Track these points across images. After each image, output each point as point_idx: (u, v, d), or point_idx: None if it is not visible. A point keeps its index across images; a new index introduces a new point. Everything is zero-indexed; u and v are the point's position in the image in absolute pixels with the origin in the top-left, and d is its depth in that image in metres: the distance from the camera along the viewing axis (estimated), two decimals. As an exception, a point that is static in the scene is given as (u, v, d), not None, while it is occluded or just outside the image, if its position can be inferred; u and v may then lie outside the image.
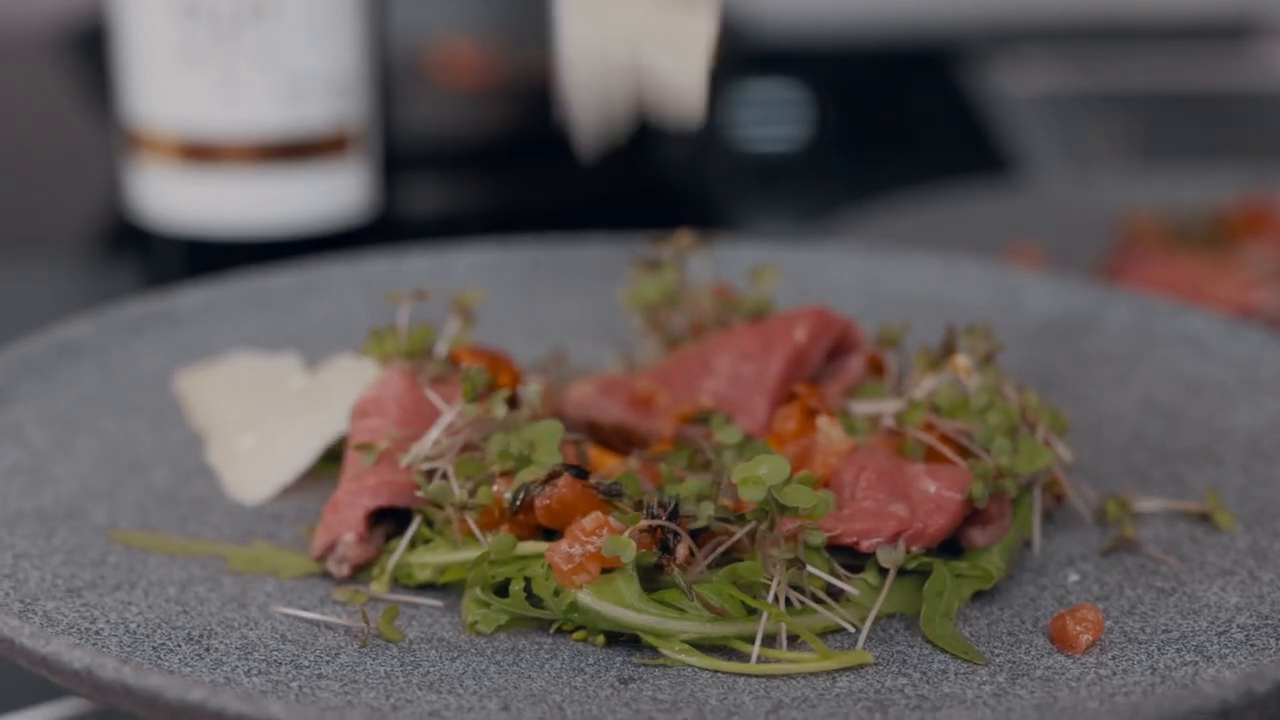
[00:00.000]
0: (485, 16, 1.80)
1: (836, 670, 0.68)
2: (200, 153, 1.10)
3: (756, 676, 0.68)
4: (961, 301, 1.01)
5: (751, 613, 0.70)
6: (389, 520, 0.75)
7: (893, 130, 1.93)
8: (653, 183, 1.64)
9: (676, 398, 0.82)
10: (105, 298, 1.19)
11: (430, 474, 0.75)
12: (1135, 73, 1.95)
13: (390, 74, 1.32)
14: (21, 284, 1.39)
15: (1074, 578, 0.76)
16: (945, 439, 0.77)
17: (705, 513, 0.70)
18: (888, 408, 0.79)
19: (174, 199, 1.11)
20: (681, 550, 0.69)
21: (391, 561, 0.73)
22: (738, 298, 0.88)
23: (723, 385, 0.82)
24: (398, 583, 0.73)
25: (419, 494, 0.74)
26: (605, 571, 0.69)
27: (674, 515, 0.69)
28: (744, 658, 0.69)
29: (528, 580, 0.70)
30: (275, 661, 0.67)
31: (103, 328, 0.91)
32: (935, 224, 1.31)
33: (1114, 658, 0.70)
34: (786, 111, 1.93)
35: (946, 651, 0.70)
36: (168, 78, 1.09)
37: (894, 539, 0.71)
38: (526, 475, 0.72)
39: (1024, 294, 1.01)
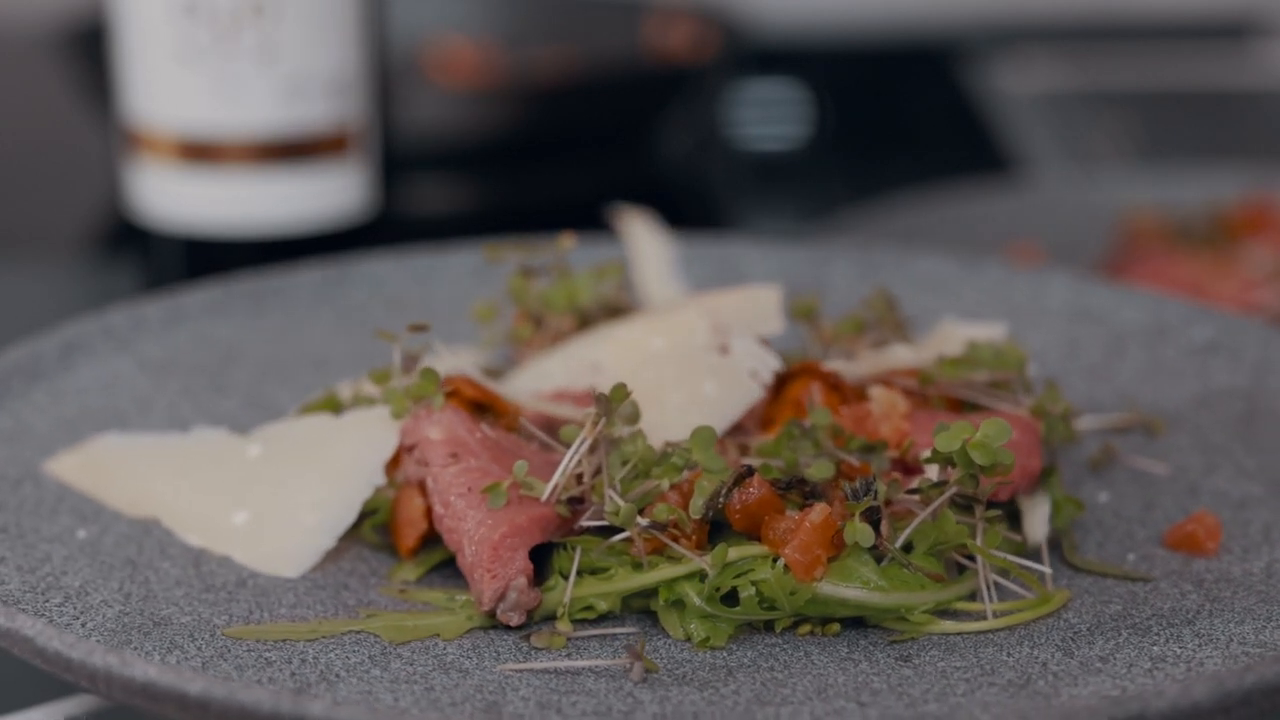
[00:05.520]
0: (485, 16, 1.80)
1: (1058, 610, 0.72)
2: (200, 152, 1.10)
3: (1003, 630, 0.71)
4: (695, 277, 1.02)
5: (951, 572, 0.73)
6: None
7: (893, 130, 1.93)
8: (653, 183, 1.64)
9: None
10: (105, 297, 1.19)
11: (572, 502, 0.74)
12: (1135, 72, 1.95)
13: (390, 74, 1.32)
14: (21, 284, 1.39)
15: (1104, 497, 0.81)
16: (986, 391, 0.81)
17: (880, 489, 0.72)
18: (885, 370, 0.82)
19: (174, 198, 1.11)
20: (885, 527, 0.71)
21: (567, 596, 0.72)
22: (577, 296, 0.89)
23: None
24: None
25: (585, 523, 0.73)
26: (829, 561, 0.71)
27: (874, 496, 0.71)
28: (955, 616, 0.72)
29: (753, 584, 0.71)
30: (599, 713, 0.65)
31: None
32: (935, 224, 1.31)
33: (1247, 552, 0.75)
34: (786, 111, 1.93)
35: (1106, 576, 0.75)
36: (167, 77, 1.09)
37: (1024, 486, 0.76)
38: (709, 483, 0.72)
39: (743, 264, 1.04)
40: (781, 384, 0.81)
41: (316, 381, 0.93)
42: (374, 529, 0.79)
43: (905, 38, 2.05)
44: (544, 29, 1.78)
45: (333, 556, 0.77)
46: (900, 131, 1.93)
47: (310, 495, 0.78)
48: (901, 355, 0.84)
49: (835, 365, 0.82)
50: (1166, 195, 1.34)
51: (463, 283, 1.02)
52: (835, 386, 0.80)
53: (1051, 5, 2.09)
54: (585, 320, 0.89)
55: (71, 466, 0.83)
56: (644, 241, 1.02)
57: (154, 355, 0.94)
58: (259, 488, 0.79)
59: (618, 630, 0.72)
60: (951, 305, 0.97)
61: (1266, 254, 1.20)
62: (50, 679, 0.80)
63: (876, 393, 0.78)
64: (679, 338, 0.83)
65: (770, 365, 0.81)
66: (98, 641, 0.68)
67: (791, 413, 0.80)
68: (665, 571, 0.71)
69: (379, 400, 0.82)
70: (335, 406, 0.84)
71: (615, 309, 0.90)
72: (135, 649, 0.69)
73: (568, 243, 0.91)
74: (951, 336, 0.87)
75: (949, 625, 0.71)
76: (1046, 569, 0.74)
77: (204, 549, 0.78)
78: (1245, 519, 0.78)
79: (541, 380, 0.84)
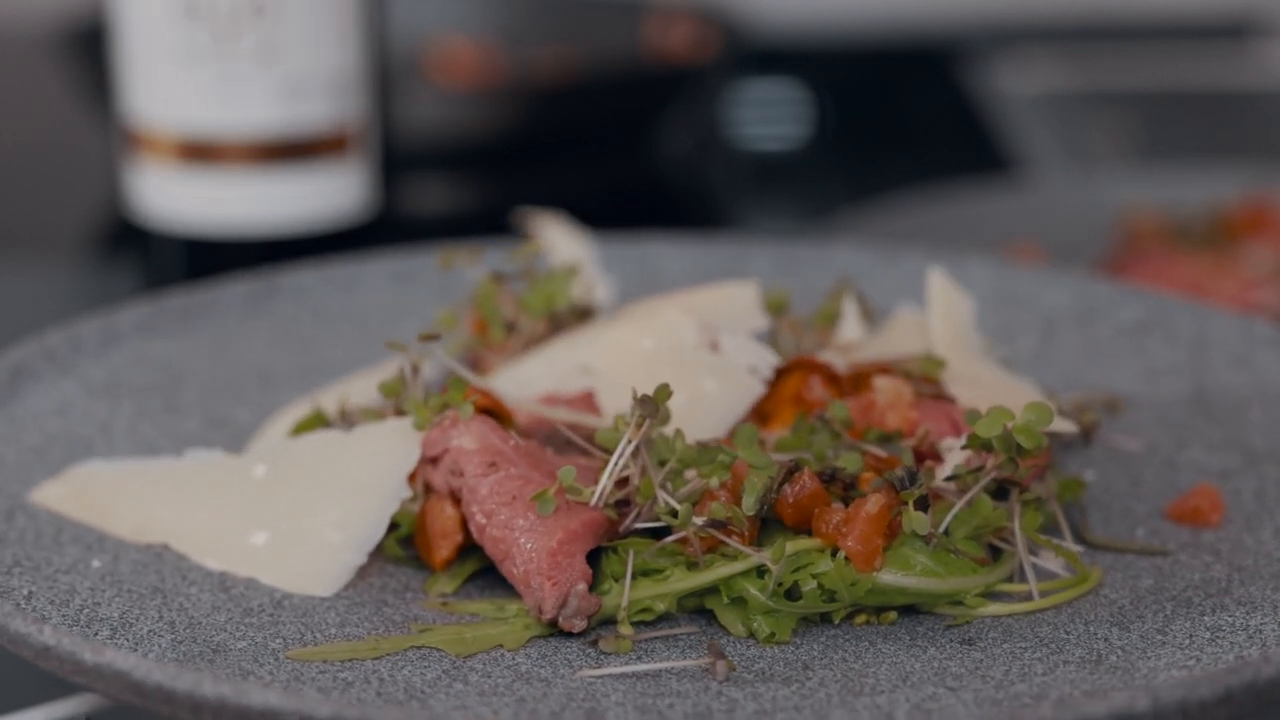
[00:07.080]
0: (485, 16, 1.80)
1: (1097, 586, 0.73)
2: (200, 152, 1.10)
3: (1049, 609, 0.72)
4: (614, 277, 1.01)
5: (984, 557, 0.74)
6: None
7: (893, 130, 1.93)
8: (653, 183, 1.64)
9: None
10: (105, 297, 1.20)
11: (619, 505, 0.73)
12: (1135, 72, 1.95)
13: (390, 74, 1.32)
14: (21, 284, 1.39)
15: (1090, 475, 0.82)
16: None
17: (922, 477, 0.73)
18: (876, 361, 0.83)
19: (173, 198, 1.11)
20: (931, 514, 0.72)
21: (625, 600, 0.71)
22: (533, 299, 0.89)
23: None
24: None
25: (633, 524, 0.73)
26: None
27: (918, 484, 0.72)
28: (999, 598, 0.73)
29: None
30: (700, 714, 0.65)
31: None
32: (935, 224, 1.31)
33: (1249, 520, 0.77)
34: (786, 111, 1.93)
35: (1125, 552, 0.76)
36: (167, 78, 1.09)
37: (1043, 468, 0.77)
38: (758, 480, 0.72)
39: (661, 263, 1.04)
40: (776, 378, 0.81)
41: (268, 399, 0.92)
42: (398, 542, 0.78)
43: (905, 38, 2.05)
44: (544, 29, 1.78)
45: (360, 573, 0.76)
46: (900, 131, 1.93)
47: (333, 512, 0.77)
48: (878, 346, 0.84)
49: (828, 357, 0.82)
50: (1166, 195, 1.34)
51: (386, 290, 1.02)
52: (833, 379, 0.79)
53: (1051, 5, 2.09)
54: (556, 324, 0.88)
55: (60, 496, 0.81)
56: (563, 244, 1.01)
57: (98, 377, 0.92)
58: (274, 507, 0.78)
59: (677, 631, 0.72)
60: (874, 295, 0.96)
61: (1266, 254, 1.20)
62: (50, 679, 0.80)
63: (881, 383, 0.78)
64: (668, 338, 0.83)
65: (769, 360, 0.81)
66: (204, 672, 0.66)
67: (790, 407, 0.80)
68: (724, 569, 0.71)
69: (388, 412, 0.80)
70: (325, 422, 0.82)
71: (582, 311, 0.89)
72: (238, 688, 0.64)
73: (536, 247, 0.90)
74: (912, 325, 0.87)
75: (999, 607, 0.72)
76: (1078, 548, 0.74)
77: (225, 572, 0.76)
78: (1234, 489, 0.80)
79: (523, 385, 0.83)
